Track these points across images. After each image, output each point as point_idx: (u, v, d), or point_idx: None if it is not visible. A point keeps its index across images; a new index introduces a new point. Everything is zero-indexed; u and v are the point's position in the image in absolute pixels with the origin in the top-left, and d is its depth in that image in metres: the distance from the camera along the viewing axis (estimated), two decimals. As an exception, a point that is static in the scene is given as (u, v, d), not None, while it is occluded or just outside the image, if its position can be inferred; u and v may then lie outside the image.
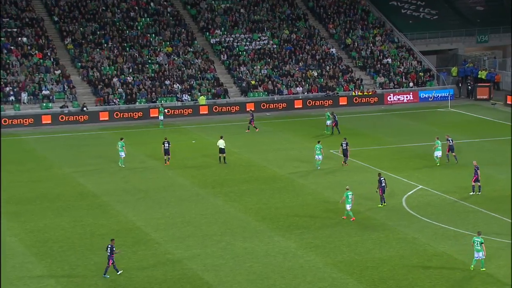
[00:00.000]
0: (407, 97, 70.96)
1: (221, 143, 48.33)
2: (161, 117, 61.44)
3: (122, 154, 48.04)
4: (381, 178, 39.09)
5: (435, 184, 43.04)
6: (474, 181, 40.94)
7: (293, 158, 49.72)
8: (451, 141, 47.11)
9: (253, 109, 60.89)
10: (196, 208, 39.46)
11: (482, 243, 30.96)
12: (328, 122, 56.54)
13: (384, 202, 39.18)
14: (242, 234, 35.45)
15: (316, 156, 46.27)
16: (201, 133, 58.42)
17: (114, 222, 37.23)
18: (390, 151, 50.52)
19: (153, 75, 69.48)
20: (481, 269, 31.07)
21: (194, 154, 51.29)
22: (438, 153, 46.67)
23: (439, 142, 46.94)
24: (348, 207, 37.14)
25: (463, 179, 43.58)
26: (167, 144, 48.40)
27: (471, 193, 40.86)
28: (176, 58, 71.70)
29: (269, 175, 45.69)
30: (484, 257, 30.95)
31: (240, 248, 33.78)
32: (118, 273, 30.91)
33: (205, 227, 36.46)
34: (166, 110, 62.26)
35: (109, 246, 31.06)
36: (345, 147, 46.77)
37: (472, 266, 31.12)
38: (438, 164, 46.72)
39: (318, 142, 47.17)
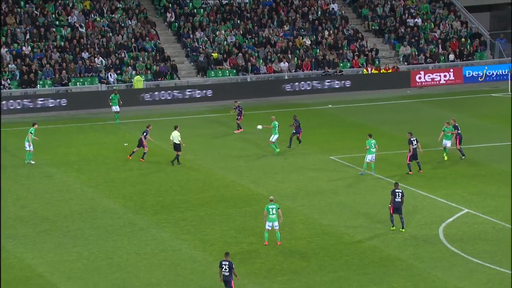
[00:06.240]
0: (445, 76, 71.55)
1: (175, 137, 49.44)
2: (116, 108, 61.59)
3: (29, 146, 50.46)
4: (396, 190, 40.23)
5: (489, 207, 43.27)
6: None
7: (275, 169, 49.86)
8: (458, 129, 51.04)
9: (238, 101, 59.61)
10: (130, 244, 39.39)
11: None
12: (274, 137, 52.76)
13: (393, 226, 40.25)
14: (199, 284, 35.44)
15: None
16: (136, 131, 58.31)
17: (2, 268, 36.89)
18: (421, 159, 50.85)
19: (62, 44, 69.36)
20: None
21: (128, 163, 51.35)
22: (448, 143, 50.88)
23: (447, 128, 50.89)
24: (269, 226, 38.21)
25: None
26: (145, 133, 50.87)
27: None
28: (98, 19, 71.58)
29: (240, 194, 45.84)
30: None
31: (197, 304, 33.93)
32: None
33: (144, 274, 36.41)
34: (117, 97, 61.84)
35: (225, 262, 32.64)
36: (415, 145, 48.40)
37: None
38: (446, 158, 50.88)
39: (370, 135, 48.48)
